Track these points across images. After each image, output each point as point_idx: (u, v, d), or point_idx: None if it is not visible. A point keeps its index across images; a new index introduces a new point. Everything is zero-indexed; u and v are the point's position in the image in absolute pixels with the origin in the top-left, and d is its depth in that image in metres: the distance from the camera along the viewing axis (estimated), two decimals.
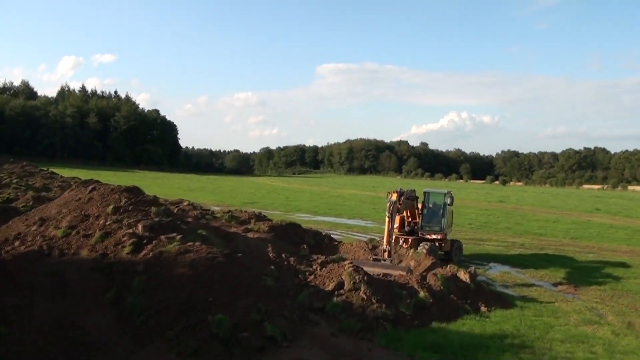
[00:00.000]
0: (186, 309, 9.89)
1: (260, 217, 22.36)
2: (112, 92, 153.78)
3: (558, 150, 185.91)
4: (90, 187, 17.06)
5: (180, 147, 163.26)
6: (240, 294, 10.40)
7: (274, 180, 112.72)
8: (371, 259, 17.26)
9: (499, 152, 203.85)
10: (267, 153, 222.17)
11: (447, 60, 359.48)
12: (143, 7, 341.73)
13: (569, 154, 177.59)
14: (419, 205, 21.21)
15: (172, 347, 9.13)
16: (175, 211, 22.97)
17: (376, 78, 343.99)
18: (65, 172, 62.13)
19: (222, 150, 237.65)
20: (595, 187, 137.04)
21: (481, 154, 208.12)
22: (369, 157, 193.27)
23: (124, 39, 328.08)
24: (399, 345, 10.51)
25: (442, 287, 13.37)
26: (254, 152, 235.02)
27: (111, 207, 14.64)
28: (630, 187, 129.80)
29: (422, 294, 12.63)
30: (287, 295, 11.50)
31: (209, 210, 26.76)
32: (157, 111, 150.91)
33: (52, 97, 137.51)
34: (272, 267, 12.56)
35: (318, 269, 13.44)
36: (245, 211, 23.67)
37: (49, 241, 13.91)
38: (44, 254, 13.15)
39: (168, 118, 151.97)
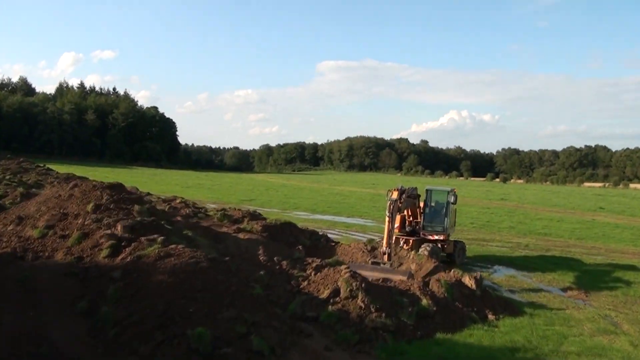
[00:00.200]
0: (164, 321, 8.89)
1: (254, 216, 21.36)
2: (111, 89, 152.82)
3: (558, 149, 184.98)
4: (71, 184, 16.12)
5: (180, 144, 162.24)
6: (224, 303, 9.40)
7: (273, 177, 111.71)
8: (370, 261, 16.28)
9: (500, 150, 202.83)
10: (267, 150, 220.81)
11: (447, 58, 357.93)
12: (143, 4, 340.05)
13: (570, 151, 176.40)
14: (421, 204, 20.22)
15: None
16: (166, 209, 22.13)
17: (376, 75, 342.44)
18: (63, 169, 61.22)
19: (221, 148, 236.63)
20: (597, 185, 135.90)
21: (481, 151, 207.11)
22: (369, 155, 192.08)
23: (124, 35, 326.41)
24: (401, 359, 9.55)
25: (446, 294, 12.39)
26: (253, 149, 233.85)
27: (91, 205, 13.66)
28: (632, 185, 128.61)
29: (424, 301, 11.64)
30: (278, 303, 10.54)
31: (202, 208, 25.82)
32: (155, 108, 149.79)
33: (50, 94, 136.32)
34: (262, 272, 11.60)
35: (312, 274, 12.46)
36: (239, 209, 22.69)
37: (25, 242, 12.98)
38: (17, 257, 12.21)
39: (168, 115, 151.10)
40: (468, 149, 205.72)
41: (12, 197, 22.79)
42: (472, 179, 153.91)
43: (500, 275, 18.77)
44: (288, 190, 64.85)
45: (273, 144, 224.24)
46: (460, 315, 11.93)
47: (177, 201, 25.17)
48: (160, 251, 10.78)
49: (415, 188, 19.26)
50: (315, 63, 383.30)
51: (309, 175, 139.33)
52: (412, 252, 17.83)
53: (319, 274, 12.38)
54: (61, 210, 14.16)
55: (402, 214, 19.31)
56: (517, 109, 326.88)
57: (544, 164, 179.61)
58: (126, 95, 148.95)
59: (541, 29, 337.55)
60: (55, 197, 15.26)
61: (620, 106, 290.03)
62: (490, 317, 12.40)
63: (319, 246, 19.09)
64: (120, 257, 11.28)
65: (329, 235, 24.62)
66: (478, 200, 58.13)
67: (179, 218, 18.11)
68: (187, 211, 22.06)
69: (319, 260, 13.85)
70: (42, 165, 61.18)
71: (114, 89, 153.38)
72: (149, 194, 32.83)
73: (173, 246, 11.16)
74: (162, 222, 13.22)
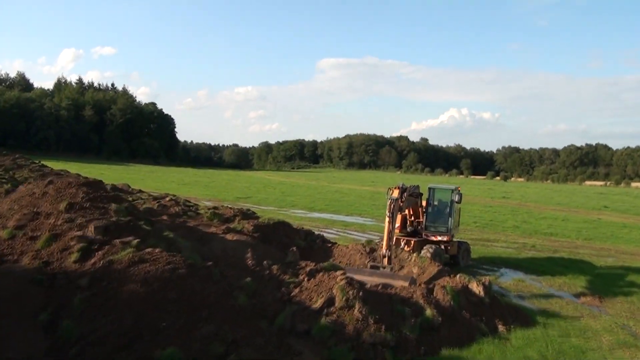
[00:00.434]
0: (131, 338, 7.77)
1: (246, 215, 20.17)
2: (109, 85, 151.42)
3: (558, 147, 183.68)
4: (47, 180, 14.96)
5: (178, 140, 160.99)
6: (202, 317, 8.28)
7: (271, 175, 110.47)
8: (368, 264, 15.13)
9: (500, 148, 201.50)
10: (266, 147, 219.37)
11: (447, 56, 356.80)
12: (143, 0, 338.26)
13: (571, 150, 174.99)
14: (423, 203, 19.06)
15: None
16: (155, 207, 20.96)
17: (376, 73, 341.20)
18: (59, 166, 59.75)
19: (221, 145, 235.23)
20: (598, 183, 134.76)
21: (481, 149, 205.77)
22: (368, 152, 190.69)
23: (124, 32, 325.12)
24: None
25: (452, 302, 11.23)
26: (253, 146, 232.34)
27: (65, 203, 12.47)
28: (633, 184, 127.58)
29: (429, 311, 10.50)
30: (265, 314, 9.38)
31: (193, 205, 24.57)
32: (154, 104, 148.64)
33: (48, 90, 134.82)
34: (249, 279, 10.44)
35: (305, 279, 11.30)
36: (231, 207, 21.53)
37: None
38: None
39: (168, 112, 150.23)
40: (468, 147, 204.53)
41: None
42: (472, 177, 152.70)
43: (508, 279, 17.62)
44: (286, 187, 63.67)
45: (273, 141, 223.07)
46: (468, 326, 10.79)
47: (167, 199, 23.94)
48: (134, 256, 9.63)
49: (417, 186, 18.10)
50: (315, 60, 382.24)
51: (308, 173, 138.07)
52: (414, 254, 16.67)
53: (312, 280, 11.22)
54: (34, 209, 12.99)
55: (403, 213, 18.16)
56: (517, 108, 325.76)
57: (545, 162, 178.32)
58: (124, 91, 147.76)
59: (541, 27, 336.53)
60: (29, 194, 14.07)
61: (620, 105, 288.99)
62: (501, 328, 11.27)
63: (315, 247, 17.93)
64: (90, 262, 10.12)
65: (326, 235, 23.57)
66: (480, 199, 56.98)
67: (164, 217, 16.93)
68: (177, 209, 20.84)
69: (313, 264, 12.68)
70: (37, 161, 60.17)
71: (113, 84, 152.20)
72: (140, 191, 31.63)
73: (149, 250, 10.00)
74: (141, 223, 12.04)
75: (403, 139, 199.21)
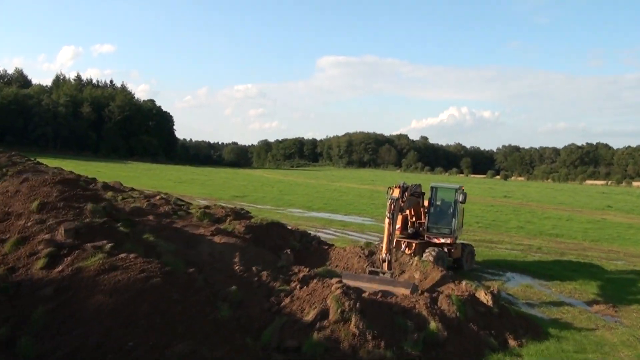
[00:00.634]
0: (94, 359, 6.78)
1: (239, 215, 19.16)
2: (108, 82, 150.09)
3: (558, 146, 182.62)
4: (22, 178, 13.99)
5: (177, 138, 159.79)
6: (177, 333, 7.28)
7: (270, 173, 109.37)
8: (367, 269, 14.13)
9: (500, 147, 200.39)
10: (266, 146, 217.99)
11: (447, 55, 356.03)
12: None
13: (571, 149, 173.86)
14: (425, 203, 18.05)
15: None
16: (144, 206, 19.96)
17: (376, 71, 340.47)
18: (56, 163, 58.47)
19: (220, 143, 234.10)
20: (599, 182, 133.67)
21: (481, 148, 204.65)
22: (368, 151, 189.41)
23: (124, 29, 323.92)
24: None
25: (458, 314, 10.22)
26: (252, 144, 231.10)
27: (37, 203, 11.48)
28: (635, 184, 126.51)
29: (433, 324, 9.50)
30: (250, 328, 8.39)
31: (184, 204, 23.55)
32: (152, 101, 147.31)
33: (46, 86, 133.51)
34: (234, 287, 9.44)
35: (297, 287, 10.30)
36: (224, 207, 20.48)
37: None
38: None
39: (168, 110, 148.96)
40: (468, 146, 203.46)
41: None
42: (472, 176, 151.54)
43: (515, 285, 16.63)
44: (284, 186, 62.65)
45: (272, 139, 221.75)
46: (476, 341, 9.80)
47: (157, 197, 22.93)
48: (105, 262, 8.62)
49: (419, 185, 17.09)
50: (315, 58, 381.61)
51: (307, 171, 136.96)
52: (415, 257, 15.68)
53: (305, 287, 10.22)
54: (6, 209, 12.02)
55: (404, 214, 17.16)
56: (517, 106, 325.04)
57: (545, 161, 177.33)
58: (123, 88, 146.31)
59: (541, 25, 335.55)
60: (2, 193, 13.12)
61: (620, 104, 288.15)
62: (512, 342, 10.27)
63: (310, 249, 16.93)
64: (58, 269, 9.12)
65: (324, 236, 22.63)
66: (481, 198, 55.93)
67: (151, 217, 15.90)
68: (167, 208, 19.82)
69: (307, 269, 11.70)
70: (33, 159, 59.12)
71: (111, 81, 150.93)
72: (132, 189, 30.52)
73: (123, 256, 8.99)
74: (119, 225, 11.04)
75: (403, 137, 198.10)
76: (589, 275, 18.26)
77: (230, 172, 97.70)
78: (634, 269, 20.07)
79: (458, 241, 18.30)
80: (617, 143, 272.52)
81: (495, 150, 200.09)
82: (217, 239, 13.38)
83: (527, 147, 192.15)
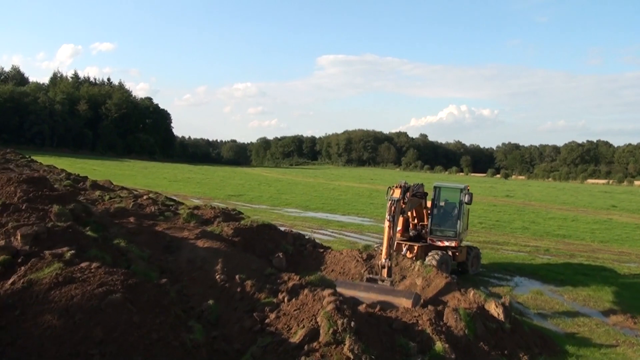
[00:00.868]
0: None
1: (229, 216, 18.05)
2: (105, 80, 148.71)
3: (558, 144, 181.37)
4: None
5: (175, 136, 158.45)
6: None
7: (268, 172, 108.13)
8: (365, 275, 12.96)
9: (500, 145, 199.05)
10: (264, 143, 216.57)
11: (447, 53, 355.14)
12: None
13: (572, 146, 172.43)
14: (428, 204, 16.87)
15: None
16: (130, 206, 18.87)
17: (376, 70, 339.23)
18: (52, 161, 57.85)
19: (219, 140, 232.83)
20: (600, 181, 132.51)
21: (481, 146, 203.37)
22: (367, 149, 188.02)
23: (123, 27, 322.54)
24: None
25: (466, 331, 9.03)
26: (251, 142, 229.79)
27: None
28: (636, 183, 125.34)
29: (439, 345, 8.31)
30: (226, 354, 7.20)
31: (172, 205, 22.37)
32: (150, 99, 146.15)
33: (43, 84, 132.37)
34: (211, 301, 8.24)
35: (285, 300, 9.08)
36: (213, 208, 19.35)
37: None
38: None
39: (167, 108, 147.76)
40: (467, 144, 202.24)
41: None
42: (472, 174, 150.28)
43: (525, 291, 15.46)
44: (282, 185, 61.44)
45: (272, 137, 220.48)
46: None
47: (145, 197, 21.77)
48: (60, 274, 7.43)
49: (422, 185, 15.89)
50: (315, 57, 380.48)
51: (306, 170, 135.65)
52: (417, 262, 14.49)
53: (294, 300, 9.01)
54: None
55: (405, 216, 15.96)
56: (517, 104, 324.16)
57: (545, 160, 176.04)
58: (120, 86, 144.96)
59: (541, 23, 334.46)
60: None
61: (619, 102, 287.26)
62: None
63: (304, 253, 15.74)
64: (11, 281, 7.95)
65: (321, 237, 21.51)
66: (482, 197, 54.72)
67: (131, 219, 14.72)
68: (153, 209, 18.69)
69: (297, 277, 10.47)
70: (27, 156, 57.92)
71: (108, 79, 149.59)
72: (123, 188, 29.46)
73: (84, 265, 7.79)
74: (86, 229, 9.85)
75: (402, 135, 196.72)
76: (603, 279, 17.11)
77: (227, 171, 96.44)
78: None
79: (463, 244, 17.15)
80: (617, 141, 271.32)
81: (495, 148, 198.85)
82: (200, 243, 12.18)
83: (527, 145, 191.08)
